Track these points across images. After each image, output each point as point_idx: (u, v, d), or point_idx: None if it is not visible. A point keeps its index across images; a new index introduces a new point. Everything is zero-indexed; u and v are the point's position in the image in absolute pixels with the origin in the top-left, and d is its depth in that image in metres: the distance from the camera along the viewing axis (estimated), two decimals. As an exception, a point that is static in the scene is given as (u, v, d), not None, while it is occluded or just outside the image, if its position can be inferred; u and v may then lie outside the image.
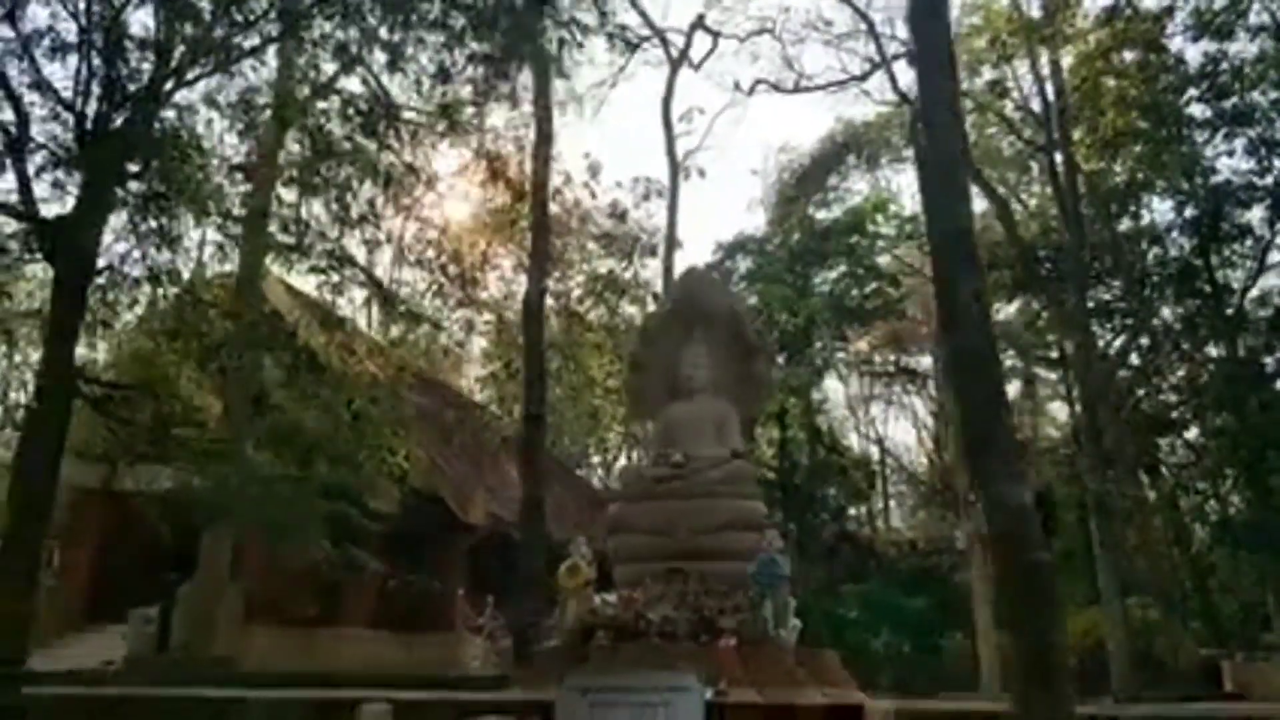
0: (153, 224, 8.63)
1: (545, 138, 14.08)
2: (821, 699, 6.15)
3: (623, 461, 30.37)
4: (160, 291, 9.86)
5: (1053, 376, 39.03)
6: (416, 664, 17.98)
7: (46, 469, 7.76)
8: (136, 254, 8.91)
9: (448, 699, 7.61)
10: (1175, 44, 21.62)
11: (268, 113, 11.45)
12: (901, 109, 31.55)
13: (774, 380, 9.34)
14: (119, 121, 7.98)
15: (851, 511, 34.24)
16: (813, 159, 36.31)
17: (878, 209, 36.06)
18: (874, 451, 39.48)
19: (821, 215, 35.30)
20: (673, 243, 19.90)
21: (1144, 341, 28.37)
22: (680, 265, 20.86)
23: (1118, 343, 28.08)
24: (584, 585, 6.80)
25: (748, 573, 6.82)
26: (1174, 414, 28.00)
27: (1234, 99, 25.43)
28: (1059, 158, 24.55)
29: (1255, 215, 26.54)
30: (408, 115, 13.87)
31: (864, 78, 25.46)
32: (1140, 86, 22.17)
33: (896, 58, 22.96)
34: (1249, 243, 26.95)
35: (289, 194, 13.00)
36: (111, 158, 7.73)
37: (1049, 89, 25.31)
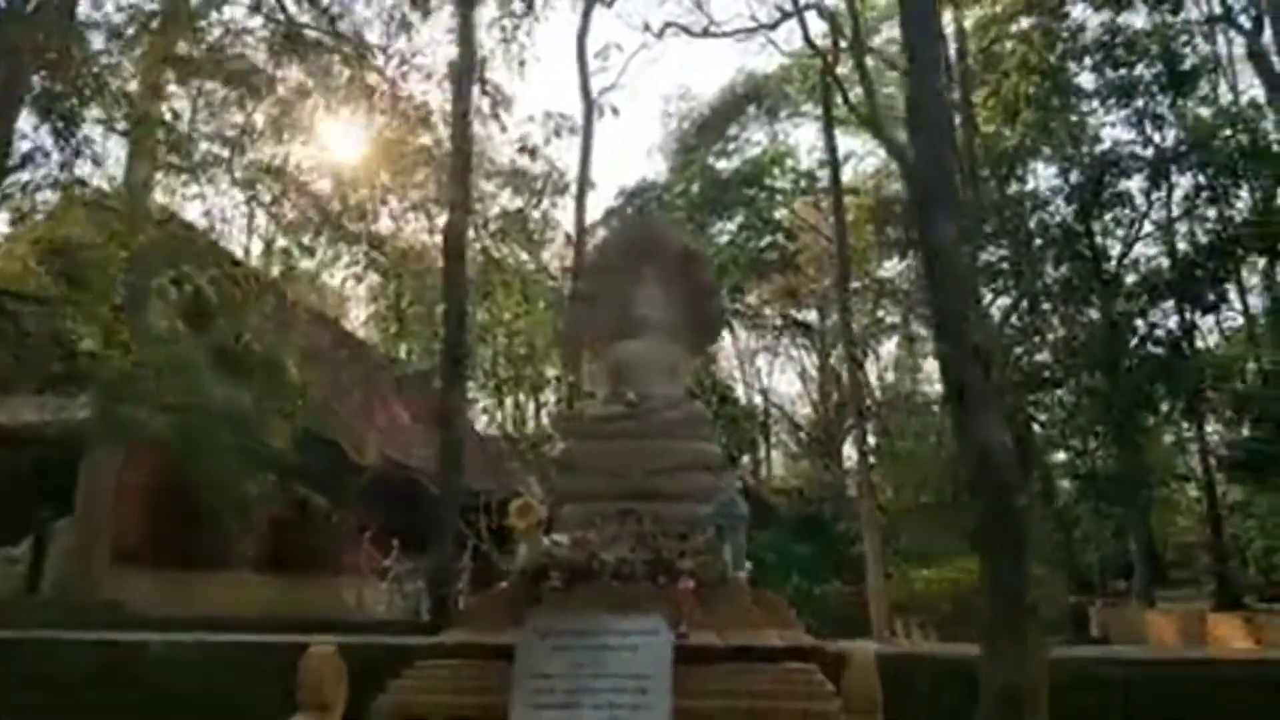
0: (59, 125, 7.80)
1: (469, 62, 13.47)
2: (779, 641, 6.07)
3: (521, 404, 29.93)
4: (66, 197, 8.99)
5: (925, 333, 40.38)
6: (311, 608, 17.45)
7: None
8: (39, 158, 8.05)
9: (385, 643, 7.28)
10: (1078, 11, 22.14)
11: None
12: (804, 61, 31.73)
13: (724, 323, 9.20)
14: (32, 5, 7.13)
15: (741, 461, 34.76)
16: (713, 108, 36.28)
17: (775, 162, 36.33)
18: (759, 402, 40.09)
19: (721, 165, 35.37)
20: (585, 183, 19.48)
21: (1024, 303, 29.49)
22: (593, 207, 20.48)
23: (1001, 302, 29.13)
24: (536, 526, 6.53)
25: (702, 514, 6.66)
26: (1049, 373, 29.21)
27: (1123, 70, 26.43)
28: (958, 119, 24.99)
29: (1135, 184, 27.80)
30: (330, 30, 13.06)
31: (774, 26, 25.28)
32: (1040, 53, 22.68)
33: (808, 7, 22.86)
34: (1127, 210, 28.24)
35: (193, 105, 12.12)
36: (25, 40, 6.87)
37: (951, 49, 25.74)
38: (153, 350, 11.55)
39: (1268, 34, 19.52)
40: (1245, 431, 32.50)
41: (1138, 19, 22.36)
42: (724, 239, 34.25)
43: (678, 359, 7.46)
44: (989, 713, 5.06)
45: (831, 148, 25.02)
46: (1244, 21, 20.55)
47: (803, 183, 36.62)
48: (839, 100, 24.92)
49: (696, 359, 8.30)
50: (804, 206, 36.48)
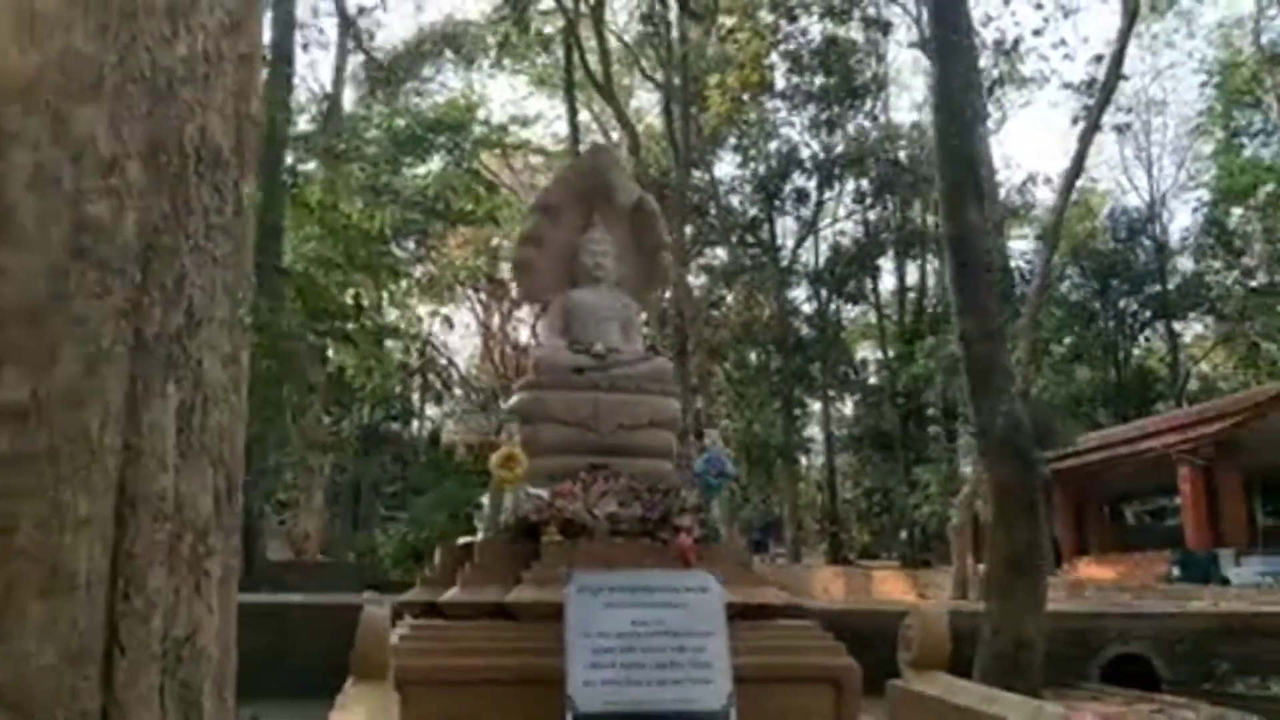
0: None
1: None
2: (776, 599, 6.27)
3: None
4: None
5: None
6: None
7: None
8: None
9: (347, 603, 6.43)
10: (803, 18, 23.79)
11: None
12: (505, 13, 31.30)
13: (671, 278, 9.00)
14: None
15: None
16: (408, 46, 34.79)
17: (470, 110, 35.62)
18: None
19: (416, 103, 34.09)
20: (338, 100, 17.84)
21: (704, 280, 31.61)
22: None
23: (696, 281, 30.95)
24: (522, 477, 6.15)
25: (668, 470, 6.71)
26: (725, 347, 31.59)
27: (809, 76, 29.00)
28: (677, 100, 26.00)
29: (812, 183, 30.73)
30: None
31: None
32: (768, 50, 24.22)
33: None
34: (804, 206, 31.16)
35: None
36: None
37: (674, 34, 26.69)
38: None
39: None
40: (849, 410, 37.32)
41: (855, 32, 24.56)
42: (406, 183, 33.03)
43: (630, 310, 7.31)
44: (994, 660, 5.60)
45: (572, 109, 25.04)
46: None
47: (493, 136, 36.23)
48: (568, 69, 24.91)
49: (646, 312, 8.14)
50: (494, 159, 36.25)
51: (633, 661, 5.18)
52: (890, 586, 19.68)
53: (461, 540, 6.56)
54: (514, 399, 6.85)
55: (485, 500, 6.78)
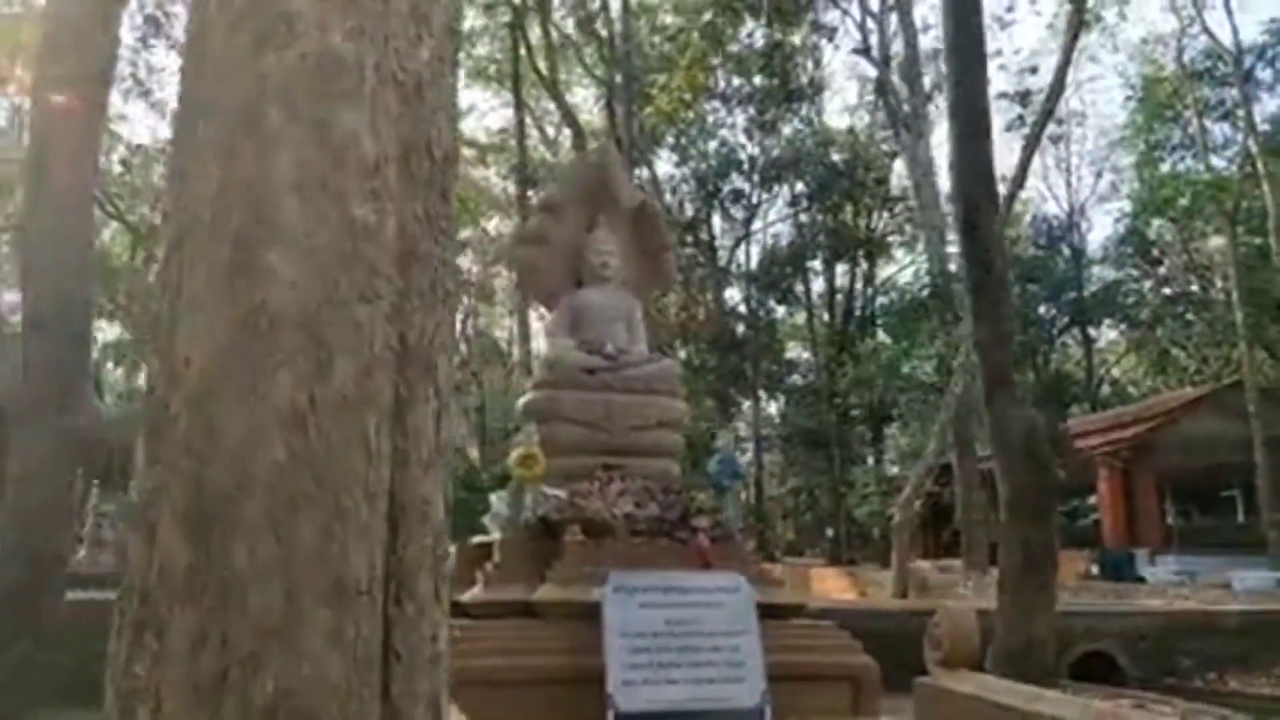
0: None
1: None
2: (792, 598, 6.40)
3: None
4: None
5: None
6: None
7: None
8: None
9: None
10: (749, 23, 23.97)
11: None
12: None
13: (675, 278, 8.95)
14: None
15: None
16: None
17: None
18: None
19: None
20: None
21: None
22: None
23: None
24: (542, 476, 6.15)
25: (675, 471, 6.81)
26: (665, 346, 31.66)
27: (746, 78, 29.23)
28: (622, 98, 25.99)
29: (749, 185, 31.00)
30: None
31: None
32: (714, 50, 24.36)
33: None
34: (741, 208, 31.43)
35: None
36: None
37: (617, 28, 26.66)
38: None
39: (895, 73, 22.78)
40: (774, 410, 37.83)
41: (795, 36, 24.85)
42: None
43: (635, 310, 7.34)
44: (1006, 657, 5.78)
45: (518, 102, 24.85)
46: (875, 54, 23.65)
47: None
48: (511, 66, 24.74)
49: (648, 311, 8.17)
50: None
51: (669, 661, 5.23)
52: (830, 584, 19.96)
53: (476, 539, 6.52)
54: (527, 398, 6.83)
55: (496, 499, 6.76)
